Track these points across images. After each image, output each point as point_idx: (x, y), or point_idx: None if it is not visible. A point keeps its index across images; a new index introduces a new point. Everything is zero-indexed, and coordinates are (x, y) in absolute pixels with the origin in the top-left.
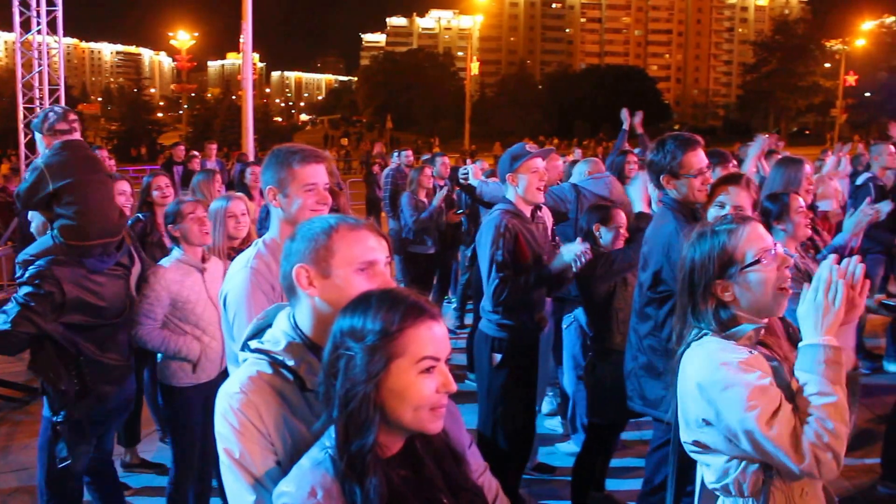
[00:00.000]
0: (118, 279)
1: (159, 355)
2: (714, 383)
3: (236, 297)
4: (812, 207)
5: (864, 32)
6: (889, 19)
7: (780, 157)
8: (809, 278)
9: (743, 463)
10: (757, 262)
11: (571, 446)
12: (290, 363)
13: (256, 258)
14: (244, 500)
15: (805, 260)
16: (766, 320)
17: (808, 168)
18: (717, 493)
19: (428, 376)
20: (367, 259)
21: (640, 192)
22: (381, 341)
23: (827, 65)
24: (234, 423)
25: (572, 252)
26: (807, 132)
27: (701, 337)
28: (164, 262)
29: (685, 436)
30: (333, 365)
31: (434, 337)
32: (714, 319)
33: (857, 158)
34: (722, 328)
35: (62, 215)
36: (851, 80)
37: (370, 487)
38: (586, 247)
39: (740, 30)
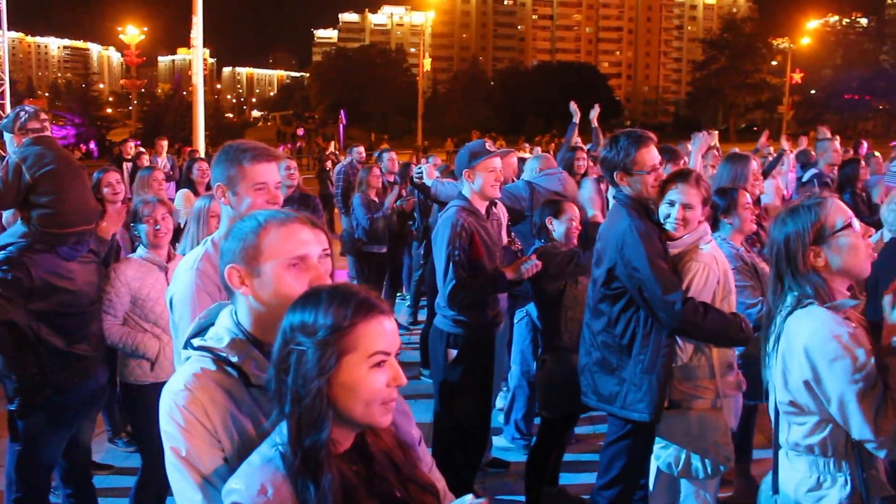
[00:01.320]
0: (89, 265)
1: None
2: (825, 352)
3: (181, 299)
4: (758, 202)
5: (810, 31)
6: (833, 18)
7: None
8: (755, 271)
9: (831, 426)
10: (847, 226)
11: (502, 440)
12: (234, 359)
13: (203, 259)
14: (192, 499)
15: (750, 254)
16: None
17: (754, 164)
18: (798, 452)
19: (379, 371)
20: (298, 254)
21: (592, 197)
22: (332, 336)
23: (774, 63)
24: (180, 420)
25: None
26: (755, 128)
27: (807, 305)
28: (128, 258)
29: (782, 395)
30: (284, 360)
31: (385, 331)
32: (814, 278)
33: (803, 153)
34: (819, 292)
35: (39, 205)
36: (797, 77)
37: (325, 483)
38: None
39: (689, 28)
